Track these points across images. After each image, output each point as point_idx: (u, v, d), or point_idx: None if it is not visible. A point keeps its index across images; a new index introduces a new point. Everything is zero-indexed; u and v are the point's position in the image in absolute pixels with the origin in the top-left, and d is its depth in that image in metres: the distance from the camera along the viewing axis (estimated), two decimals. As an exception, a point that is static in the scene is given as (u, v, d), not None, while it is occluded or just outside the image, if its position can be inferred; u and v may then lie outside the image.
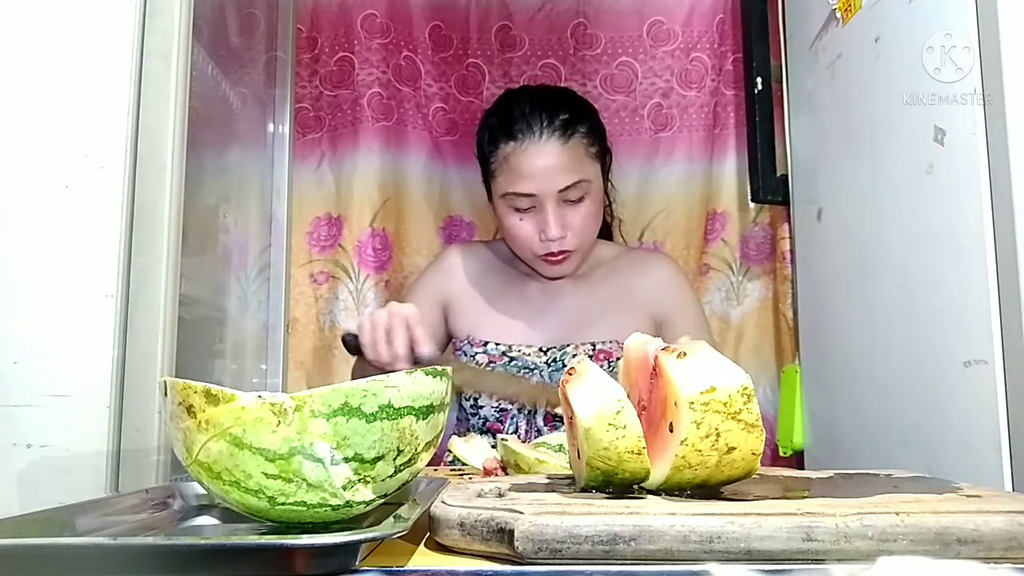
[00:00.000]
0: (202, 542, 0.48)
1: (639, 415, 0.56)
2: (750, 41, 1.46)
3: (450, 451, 0.98)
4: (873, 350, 1.03)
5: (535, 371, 1.23)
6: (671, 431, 0.54)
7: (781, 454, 1.35)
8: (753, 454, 0.54)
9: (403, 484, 0.55)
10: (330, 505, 0.51)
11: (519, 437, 1.18)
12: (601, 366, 1.18)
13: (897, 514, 0.46)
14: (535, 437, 1.15)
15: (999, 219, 0.78)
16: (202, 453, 0.50)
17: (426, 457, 0.56)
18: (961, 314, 0.83)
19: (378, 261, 1.61)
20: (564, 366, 1.21)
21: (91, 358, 0.80)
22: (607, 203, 1.34)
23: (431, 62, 1.65)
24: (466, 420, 1.28)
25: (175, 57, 0.87)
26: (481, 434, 1.22)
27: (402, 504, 0.59)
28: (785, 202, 1.40)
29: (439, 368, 0.55)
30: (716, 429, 0.53)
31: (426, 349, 1.06)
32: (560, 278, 1.28)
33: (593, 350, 1.23)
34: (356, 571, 0.45)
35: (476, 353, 1.26)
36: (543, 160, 1.16)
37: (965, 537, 0.45)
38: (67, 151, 0.83)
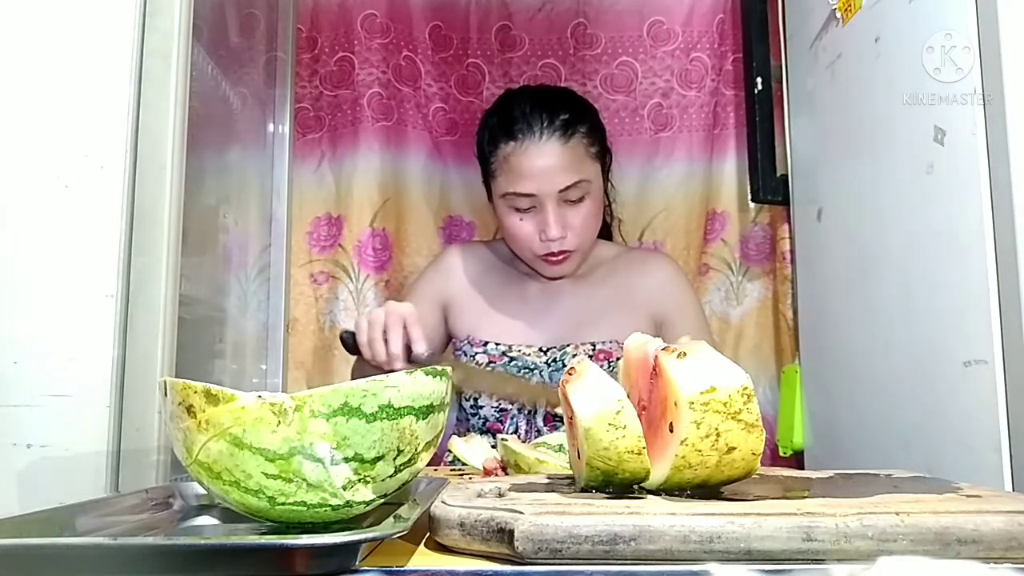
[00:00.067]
0: (202, 542, 0.48)
1: (639, 415, 0.56)
2: (750, 41, 1.46)
3: (450, 451, 0.98)
4: (873, 350, 1.03)
5: (535, 371, 1.23)
6: (671, 431, 0.54)
7: (781, 454, 1.35)
8: (753, 454, 0.54)
9: (403, 484, 0.55)
10: (330, 505, 0.51)
11: (519, 437, 1.18)
12: (601, 366, 1.18)
13: (897, 514, 0.46)
14: (535, 437, 1.15)
15: (999, 219, 0.78)
16: (202, 453, 0.50)
17: (426, 457, 0.56)
18: (961, 314, 0.83)
19: (378, 261, 1.61)
20: (564, 366, 1.21)
21: (91, 358, 0.80)
22: (607, 203, 1.34)
23: (431, 62, 1.65)
24: (466, 420, 1.28)
25: (175, 57, 0.87)
26: (481, 434, 1.22)
27: (402, 504, 0.59)
28: (785, 202, 1.40)
29: (439, 368, 0.55)
30: (716, 429, 0.53)
31: (422, 348, 1.06)
32: (560, 278, 1.28)
33: (593, 350, 1.23)
34: (356, 571, 0.45)
35: (476, 353, 1.26)
36: (543, 160, 1.16)
37: (965, 537, 0.45)
38: (67, 151, 0.83)
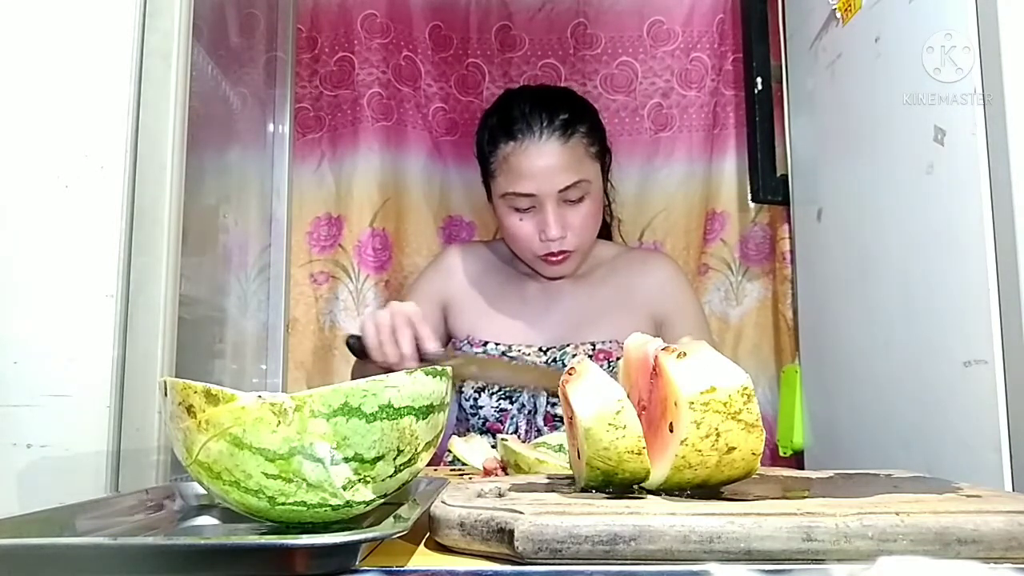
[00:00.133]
0: (202, 542, 0.48)
1: (639, 415, 0.56)
2: (750, 41, 1.46)
3: (450, 451, 0.98)
4: (873, 350, 1.03)
5: (535, 371, 1.23)
6: (671, 431, 0.54)
7: (781, 454, 1.35)
8: (753, 454, 0.54)
9: (403, 484, 0.55)
10: (330, 505, 0.51)
11: (519, 437, 1.18)
12: (601, 366, 1.18)
13: (897, 514, 0.46)
14: (535, 437, 1.15)
15: (999, 219, 0.78)
16: (202, 453, 0.50)
17: (426, 457, 0.56)
18: (961, 314, 0.83)
19: (378, 261, 1.61)
20: (564, 366, 1.21)
21: (91, 358, 0.80)
22: (607, 203, 1.34)
23: (431, 62, 1.65)
24: (466, 420, 1.28)
25: (175, 57, 0.87)
26: (481, 434, 1.22)
27: (402, 504, 0.59)
28: (785, 202, 1.40)
29: (439, 368, 0.55)
30: (716, 429, 0.53)
31: (432, 346, 1.06)
32: (560, 278, 1.28)
33: (593, 350, 1.23)
34: (356, 571, 0.45)
35: (476, 353, 1.26)
36: (543, 160, 1.16)
37: (965, 537, 0.45)
38: (67, 151, 0.83)
